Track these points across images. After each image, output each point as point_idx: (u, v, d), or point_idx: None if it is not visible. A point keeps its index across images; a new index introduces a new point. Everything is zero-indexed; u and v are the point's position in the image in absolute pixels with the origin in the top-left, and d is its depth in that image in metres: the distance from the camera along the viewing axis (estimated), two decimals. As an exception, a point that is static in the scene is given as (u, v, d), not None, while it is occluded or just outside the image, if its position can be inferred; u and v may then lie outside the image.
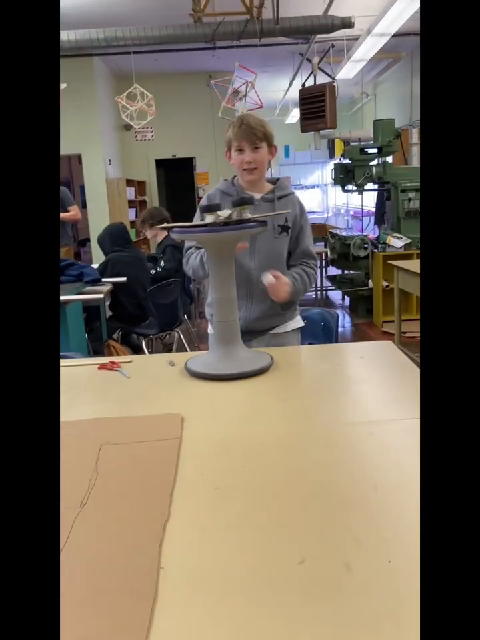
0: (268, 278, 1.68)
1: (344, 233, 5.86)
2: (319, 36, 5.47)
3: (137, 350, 4.15)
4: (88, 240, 8.50)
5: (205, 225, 1.46)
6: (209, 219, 1.46)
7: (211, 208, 1.47)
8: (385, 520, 0.81)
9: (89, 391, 1.50)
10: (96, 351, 3.69)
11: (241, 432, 1.16)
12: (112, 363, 1.67)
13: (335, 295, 7.05)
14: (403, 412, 1.21)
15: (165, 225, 1.63)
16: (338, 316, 2.55)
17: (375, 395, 1.35)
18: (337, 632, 0.62)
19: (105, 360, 1.71)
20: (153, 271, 4.09)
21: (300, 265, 1.89)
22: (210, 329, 2.02)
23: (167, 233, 4.45)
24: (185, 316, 4.47)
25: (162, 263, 4.21)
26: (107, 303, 3.83)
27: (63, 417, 1.19)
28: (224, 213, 1.46)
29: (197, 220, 1.90)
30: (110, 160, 8.07)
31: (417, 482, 0.87)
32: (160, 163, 9.43)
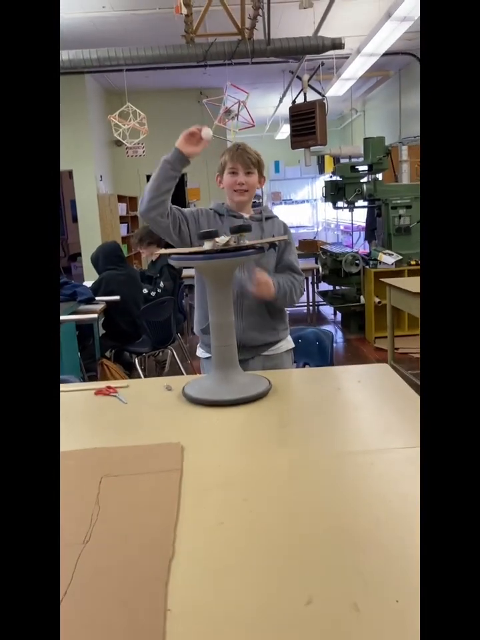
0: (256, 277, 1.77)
1: (335, 249, 5.90)
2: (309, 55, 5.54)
3: (130, 367, 4.14)
4: (79, 255, 8.48)
5: (204, 252, 1.46)
6: (207, 245, 1.47)
7: (209, 234, 1.47)
8: (390, 557, 0.81)
9: (87, 417, 1.50)
10: (88, 369, 3.68)
11: (241, 462, 1.16)
12: (108, 388, 1.67)
13: (327, 310, 7.07)
14: (401, 440, 1.21)
15: (163, 250, 1.63)
16: (332, 335, 2.56)
17: (373, 422, 1.35)
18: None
19: (101, 385, 1.70)
20: (152, 293, 4.09)
21: (291, 271, 1.97)
22: (200, 352, 2.03)
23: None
24: (178, 333, 4.46)
25: (161, 284, 4.21)
26: (100, 321, 3.82)
27: (61, 446, 1.18)
28: (222, 239, 1.47)
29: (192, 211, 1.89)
30: (101, 176, 8.09)
31: (419, 515, 0.87)
32: (151, 179, 9.46)
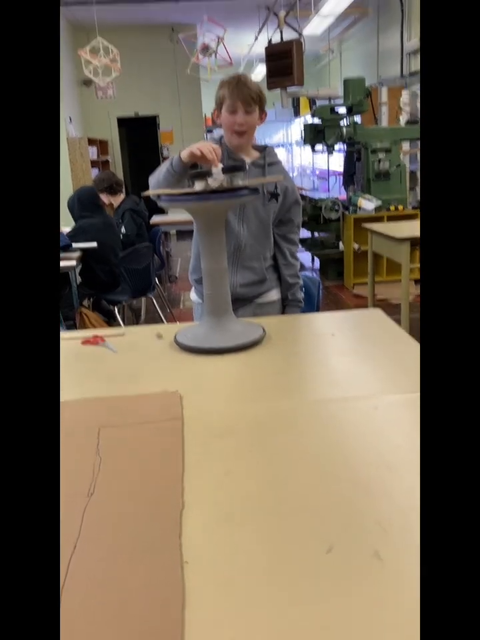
0: None
1: (315, 195, 5.81)
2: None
3: (109, 316, 4.06)
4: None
5: (195, 193, 1.39)
6: (199, 186, 1.40)
7: (200, 174, 1.40)
8: (406, 503, 0.80)
9: (76, 367, 1.44)
10: (66, 318, 3.60)
11: (242, 410, 1.13)
12: (96, 337, 1.61)
13: (305, 257, 7.02)
14: (403, 385, 1.20)
15: (152, 191, 1.55)
16: (319, 283, 2.53)
17: (371, 367, 1.33)
18: (373, 620, 0.60)
19: (88, 333, 1.65)
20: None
21: (288, 242, 1.92)
22: (194, 296, 1.98)
23: (124, 197, 4.36)
24: (156, 279, 4.39)
25: (123, 229, 4.12)
26: (77, 270, 3.72)
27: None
28: (215, 180, 1.40)
29: (163, 169, 1.64)
30: (70, 118, 7.76)
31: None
32: (122, 122, 9.11)
